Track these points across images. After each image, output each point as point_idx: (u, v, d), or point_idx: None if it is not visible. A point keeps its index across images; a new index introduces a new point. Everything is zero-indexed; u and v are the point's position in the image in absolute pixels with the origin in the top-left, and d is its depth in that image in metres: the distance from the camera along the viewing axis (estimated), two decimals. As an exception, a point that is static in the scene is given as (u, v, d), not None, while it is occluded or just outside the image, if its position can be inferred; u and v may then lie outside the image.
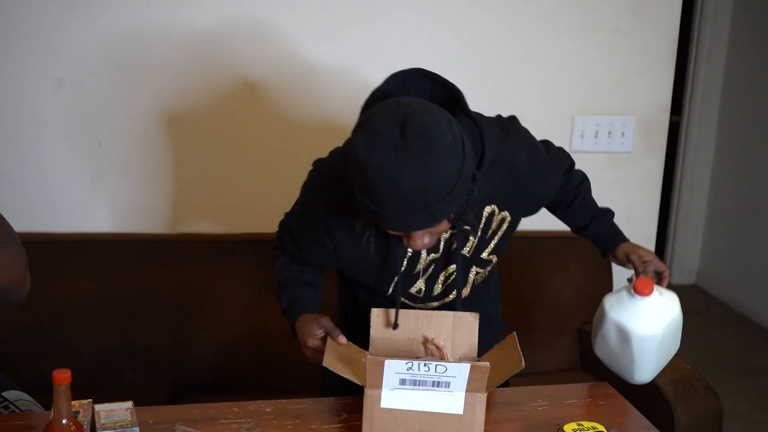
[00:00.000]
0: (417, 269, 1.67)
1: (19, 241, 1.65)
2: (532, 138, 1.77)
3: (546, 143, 1.84)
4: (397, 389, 1.47)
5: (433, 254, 1.66)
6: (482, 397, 1.48)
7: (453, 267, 1.68)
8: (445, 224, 1.50)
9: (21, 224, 2.45)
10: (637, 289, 1.68)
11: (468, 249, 1.67)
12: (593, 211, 1.94)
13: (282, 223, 1.88)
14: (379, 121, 1.41)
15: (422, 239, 1.50)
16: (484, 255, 1.71)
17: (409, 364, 1.44)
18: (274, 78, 2.58)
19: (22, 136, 2.51)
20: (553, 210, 1.95)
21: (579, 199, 1.92)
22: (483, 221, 1.67)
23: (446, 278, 1.70)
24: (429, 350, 1.65)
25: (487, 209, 1.67)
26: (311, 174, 1.75)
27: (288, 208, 2.61)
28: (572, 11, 2.73)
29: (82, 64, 2.49)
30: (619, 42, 2.78)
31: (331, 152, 1.73)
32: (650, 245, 2.99)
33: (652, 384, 2.34)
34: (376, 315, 1.66)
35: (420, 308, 1.72)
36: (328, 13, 2.57)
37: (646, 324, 1.70)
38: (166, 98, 2.55)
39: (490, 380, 1.46)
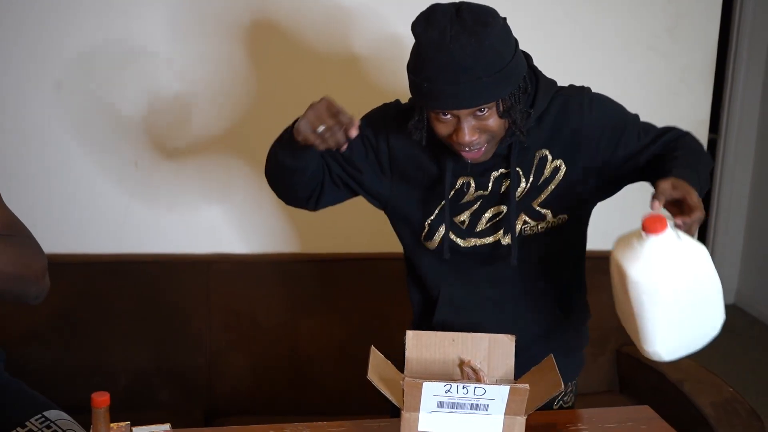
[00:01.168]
0: (464, 200, 1.69)
1: (38, 245, 1.71)
2: (607, 98, 1.74)
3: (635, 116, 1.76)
4: (434, 412, 1.46)
5: (481, 191, 1.68)
6: (521, 420, 1.46)
7: (501, 208, 1.69)
8: (495, 119, 1.55)
9: (60, 246, 2.51)
10: (644, 224, 1.38)
11: (518, 194, 1.67)
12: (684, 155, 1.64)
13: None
14: (437, 7, 1.53)
15: (471, 134, 1.54)
16: (536, 205, 1.69)
17: (448, 386, 1.43)
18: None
19: (57, 160, 2.54)
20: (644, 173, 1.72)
21: (676, 151, 1.65)
22: (534, 166, 1.68)
23: (492, 216, 1.70)
24: (465, 373, 1.63)
25: (539, 153, 1.67)
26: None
27: (323, 230, 2.65)
28: (610, 31, 2.72)
29: (124, 90, 2.52)
30: (655, 61, 2.76)
31: None
32: (689, 265, 2.95)
33: (693, 407, 2.32)
34: (411, 337, 1.65)
35: (464, 246, 1.72)
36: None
37: (645, 268, 1.41)
38: (197, 121, 2.57)
39: (528, 403, 1.44)
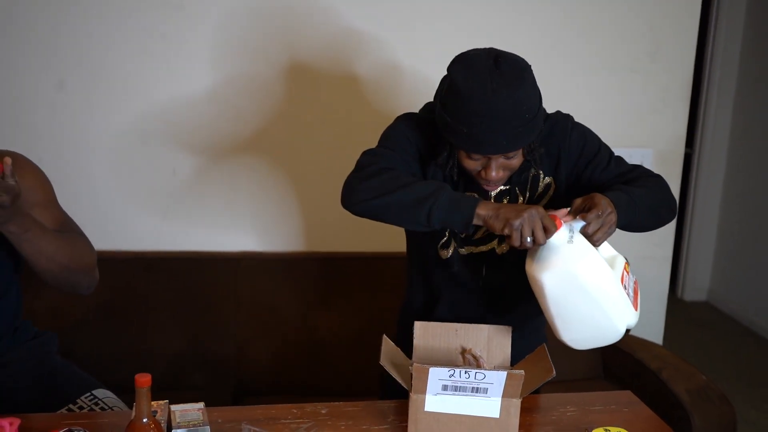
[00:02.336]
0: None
1: (89, 241, 1.76)
2: (587, 127, 1.74)
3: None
4: (439, 394, 1.46)
5: None
6: (517, 402, 1.46)
7: None
8: (519, 158, 1.57)
9: (107, 243, 2.52)
10: None
11: None
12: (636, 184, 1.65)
13: (374, 150, 1.67)
14: (475, 54, 1.53)
15: (497, 171, 1.55)
16: None
17: (451, 372, 1.43)
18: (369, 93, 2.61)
19: (104, 163, 2.56)
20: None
21: (638, 182, 1.66)
22: (529, 183, 1.68)
23: None
24: (467, 360, 1.63)
25: (532, 171, 1.67)
26: (399, 117, 1.73)
27: (340, 231, 2.65)
28: (594, 54, 2.72)
29: (161, 98, 2.54)
30: (637, 82, 2.76)
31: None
32: (666, 265, 2.95)
33: (670, 393, 2.31)
34: (419, 327, 1.65)
35: (465, 250, 1.71)
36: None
37: (534, 265, 1.48)
38: (236, 127, 2.58)
39: (523, 387, 1.45)
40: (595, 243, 1.49)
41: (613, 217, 1.50)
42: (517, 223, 1.43)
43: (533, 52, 2.66)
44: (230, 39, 2.51)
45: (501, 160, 1.55)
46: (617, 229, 1.54)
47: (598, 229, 1.48)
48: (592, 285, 1.47)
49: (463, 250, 1.72)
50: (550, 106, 2.66)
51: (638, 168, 1.72)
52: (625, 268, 1.56)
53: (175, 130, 2.55)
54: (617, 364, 2.63)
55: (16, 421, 1.15)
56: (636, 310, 1.56)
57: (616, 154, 1.72)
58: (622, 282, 1.53)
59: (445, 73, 1.58)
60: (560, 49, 2.69)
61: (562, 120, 1.71)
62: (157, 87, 2.51)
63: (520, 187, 1.68)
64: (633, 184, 1.64)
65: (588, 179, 1.68)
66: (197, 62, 2.51)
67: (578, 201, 1.52)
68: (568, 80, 2.72)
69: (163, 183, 2.58)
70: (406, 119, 1.72)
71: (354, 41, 2.56)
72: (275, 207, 2.66)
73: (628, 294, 1.53)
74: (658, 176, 1.72)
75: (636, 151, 2.79)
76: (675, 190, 2.88)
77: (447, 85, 1.54)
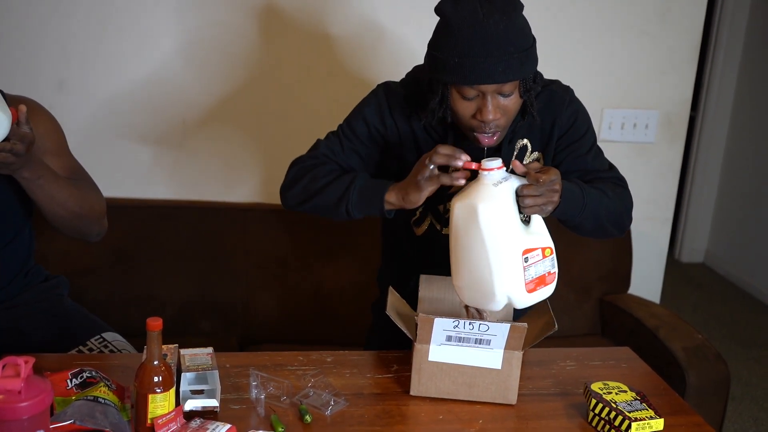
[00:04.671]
0: (451, 190, 1.54)
1: (99, 190, 1.77)
2: (584, 109, 1.68)
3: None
4: (443, 345, 1.47)
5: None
6: (519, 355, 1.47)
7: None
8: (515, 99, 1.47)
9: (119, 191, 2.51)
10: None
11: None
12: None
13: (332, 133, 1.69)
14: None
15: (494, 112, 1.45)
16: None
17: (456, 323, 1.43)
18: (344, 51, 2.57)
19: (125, 119, 2.54)
20: None
21: (603, 185, 1.62)
22: (514, 156, 1.62)
23: None
24: (470, 313, 1.63)
25: (520, 143, 1.62)
26: (380, 88, 1.67)
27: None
28: (605, 15, 2.67)
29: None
30: (646, 43, 2.72)
31: None
32: (667, 226, 2.94)
33: (667, 350, 2.32)
34: (424, 280, 1.65)
35: (445, 234, 1.63)
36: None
37: (459, 196, 1.43)
38: (237, 82, 2.56)
39: (526, 340, 1.45)
40: (523, 206, 1.40)
41: (555, 199, 1.43)
42: (424, 173, 1.42)
43: (541, 11, 2.65)
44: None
45: (497, 98, 1.45)
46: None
47: (534, 195, 1.40)
48: (491, 231, 1.39)
49: (445, 230, 1.65)
50: (557, 66, 2.65)
51: (612, 171, 1.67)
52: (543, 252, 1.43)
53: (184, 83, 2.52)
54: (615, 321, 2.63)
55: (31, 360, 1.15)
56: (528, 293, 1.43)
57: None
58: (524, 254, 1.41)
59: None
60: (568, 9, 2.64)
61: (561, 92, 1.64)
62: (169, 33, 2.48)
63: (505, 159, 1.58)
64: (596, 184, 1.59)
65: (561, 160, 1.64)
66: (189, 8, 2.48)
67: (535, 165, 1.45)
68: (575, 41, 2.67)
69: (174, 133, 2.56)
70: (371, 102, 1.64)
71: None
72: (283, 160, 2.63)
73: (525, 270, 1.41)
74: (625, 188, 1.66)
75: (642, 112, 2.76)
76: (679, 152, 2.86)
77: (437, 26, 1.47)
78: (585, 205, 1.52)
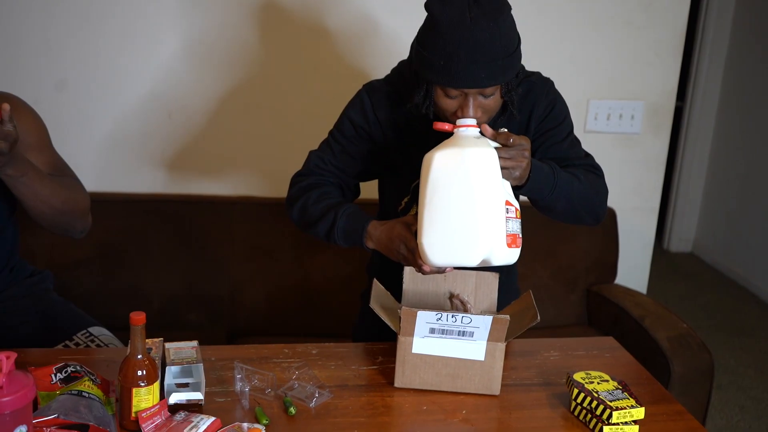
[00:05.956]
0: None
1: (83, 186, 1.77)
2: (563, 100, 1.69)
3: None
4: (427, 337, 1.47)
5: None
6: (502, 346, 1.48)
7: None
8: (497, 99, 1.50)
9: (105, 185, 2.52)
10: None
11: None
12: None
13: (324, 141, 1.76)
14: None
15: (475, 111, 1.48)
16: None
17: (439, 315, 1.44)
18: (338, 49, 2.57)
19: (112, 113, 2.54)
20: None
21: (576, 170, 1.64)
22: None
23: None
24: (455, 304, 1.65)
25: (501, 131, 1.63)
26: (363, 88, 1.71)
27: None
28: (590, 5, 2.68)
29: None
30: (632, 34, 2.73)
31: None
32: (654, 216, 2.96)
33: (652, 339, 2.34)
34: (408, 272, 1.66)
35: None
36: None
37: (431, 151, 1.42)
38: (226, 77, 2.56)
39: (508, 332, 1.46)
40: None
41: (524, 164, 1.43)
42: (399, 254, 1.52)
43: (526, 2, 2.65)
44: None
45: (479, 98, 1.48)
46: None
47: (503, 158, 1.41)
48: (480, 176, 1.39)
49: None
50: (543, 57, 2.66)
51: (588, 159, 1.69)
52: (516, 212, 1.45)
53: (170, 78, 2.52)
54: (601, 311, 2.66)
55: (13, 355, 1.15)
56: (507, 248, 1.41)
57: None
58: (506, 205, 1.42)
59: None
60: (553, 0, 2.65)
61: (540, 84, 1.66)
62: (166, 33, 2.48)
63: (513, 103, 1.60)
64: (570, 170, 1.61)
65: (537, 147, 1.65)
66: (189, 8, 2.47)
67: (506, 131, 1.46)
68: (560, 31, 2.68)
69: (161, 126, 2.56)
70: (355, 103, 1.68)
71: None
72: (269, 152, 2.65)
73: (506, 224, 1.41)
74: (599, 176, 1.67)
75: (627, 103, 2.78)
76: (664, 143, 2.87)
77: (424, 23, 1.49)
78: (555, 185, 1.54)
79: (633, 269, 2.95)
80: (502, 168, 1.41)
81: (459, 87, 1.46)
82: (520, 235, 1.45)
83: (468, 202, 1.40)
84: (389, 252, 1.55)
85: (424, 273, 1.50)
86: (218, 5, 2.48)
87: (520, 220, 1.45)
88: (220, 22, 2.49)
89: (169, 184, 2.61)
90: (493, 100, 1.50)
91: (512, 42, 1.47)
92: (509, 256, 1.43)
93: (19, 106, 1.69)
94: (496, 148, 1.43)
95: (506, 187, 1.45)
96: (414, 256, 1.48)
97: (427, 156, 1.43)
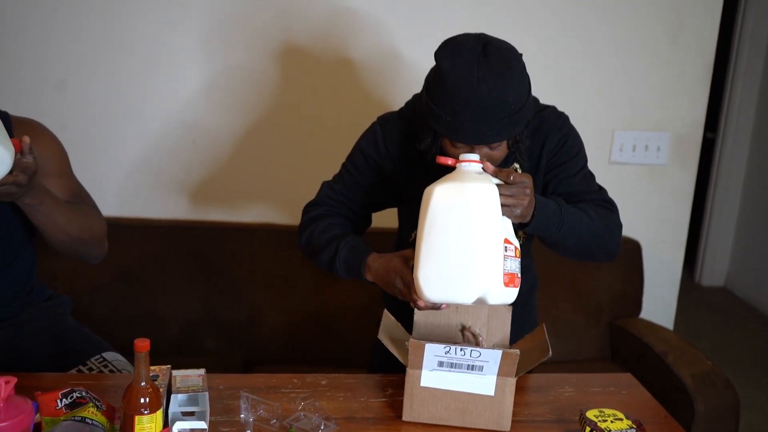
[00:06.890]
0: None
1: (101, 213, 1.80)
2: (577, 135, 1.68)
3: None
4: (435, 370, 1.46)
5: None
6: (512, 381, 1.45)
7: None
8: (504, 149, 1.51)
9: (124, 210, 2.54)
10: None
11: None
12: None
13: (337, 173, 1.79)
14: (463, 39, 1.46)
15: (482, 159, 1.45)
16: None
17: (447, 348, 1.42)
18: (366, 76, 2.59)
19: (132, 135, 2.57)
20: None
21: (587, 206, 1.61)
22: None
23: None
24: (466, 337, 1.63)
25: (512, 166, 1.63)
26: (377, 120, 1.73)
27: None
28: (616, 35, 2.67)
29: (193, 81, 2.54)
30: (658, 64, 2.70)
31: None
32: (680, 250, 2.90)
33: (675, 376, 2.29)
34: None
35: None
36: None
37: (436, 186, 1.40)
38: (247, 103, 2.58)
39: (519, 366, 1.44)
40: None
41: (525, 202, 1.41)
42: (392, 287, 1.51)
43: (549, 33, 2.64)
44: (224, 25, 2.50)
45: (485, 149, 1.49)
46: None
47: (504, 195, 1.39)
48: (479, 212, 1.37)
49: None
50: (568, 87, 2.65)
51: (601, 193, 1.66)
52: (516, 250, 1.41)
53: (195, 106, 2.55)
54: (625, 346, 2.60)
55: (12, 380, 1.16)
56: (504, 287, 1.38)
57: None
58: (505, 243, 1.40)
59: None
60: (577, 29, 2.63)
61: (554, 118, 1.65)
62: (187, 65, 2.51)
63: (521, 155, 1.61)
64: (580, 205, 1.59)
65: (548, 181, 1.64)
66: (208, 46, 2.51)
67: (509, 170, 1.44)
68: (586, 61, 2.67)
69: (183, 152, 2.59)
70: (368, 135, 1.71)
71: (352, 24, 2.52)
72: (290, 180, 2.66)
73: (504, 260, 1.39)
74: (612, 210, 1.64)
75: (653, 134, 2.74)
76: (691, 175, 2.83)
77: (433, 72, 1.49)
78: (563, 222, 1.52)
79: (659, 303, 2.90)
80: (503, 205, 1.40)
81: (464, 142, 1.48)
82: (519, 275, 1.41)
83: (466, 238, 1.37)
84: (386, 285, 1.54)
85: (419, 308, 1.49)
86: (242, 38, 2.51)
87: (519, 259, 1.42)
88: (243, 56, 2.52)
89: (190, 210, 2.63)
90: (499, 150, 1.52)
91: (520, 98, 1.46)
92: (506, 295, 1.40)
93: (40, 132, 1.72)
94: (497, 185, 1.41)
95: (506, 225, 1.43)
96: (409, 291, 1.47)
97: (427, 189, 1.42)
